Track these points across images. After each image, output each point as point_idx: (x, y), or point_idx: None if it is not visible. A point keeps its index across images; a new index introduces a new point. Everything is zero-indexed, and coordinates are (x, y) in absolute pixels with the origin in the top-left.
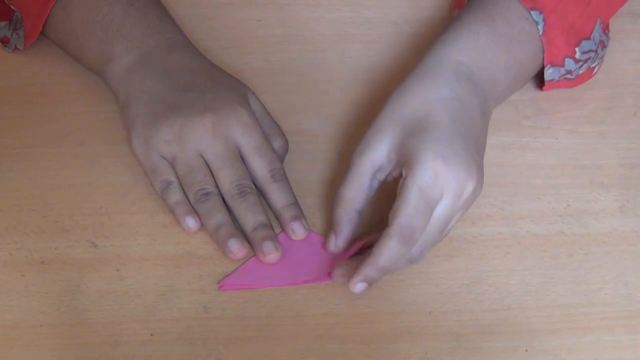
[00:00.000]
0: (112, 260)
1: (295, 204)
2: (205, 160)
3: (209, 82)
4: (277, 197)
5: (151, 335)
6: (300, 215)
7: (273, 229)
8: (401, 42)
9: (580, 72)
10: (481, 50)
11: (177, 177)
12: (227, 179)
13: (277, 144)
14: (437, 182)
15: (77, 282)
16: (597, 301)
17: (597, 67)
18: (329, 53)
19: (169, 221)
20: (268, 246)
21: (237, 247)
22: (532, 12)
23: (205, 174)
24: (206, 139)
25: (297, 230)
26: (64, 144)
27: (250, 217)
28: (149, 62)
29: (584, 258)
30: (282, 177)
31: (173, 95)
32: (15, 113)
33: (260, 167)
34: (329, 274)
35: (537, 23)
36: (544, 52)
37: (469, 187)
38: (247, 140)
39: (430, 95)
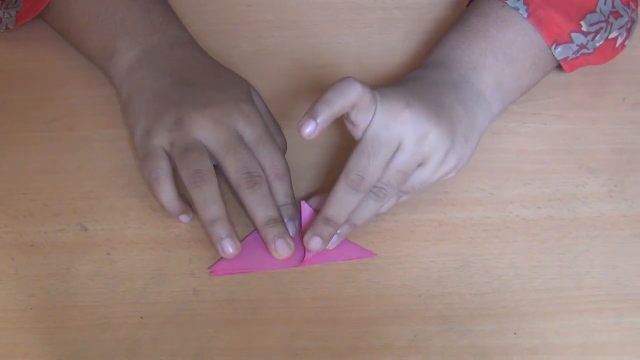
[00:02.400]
0: (102, 244)
1: (293, 203)
2: (207, 149)
3: (211, 78)
4: (277, 194)
5: (141, 318)
6: (295, 216)
7: (284, 222)
8: (390, 27)
9: (598, 44)
10: (450, 45)
11: (169, 167)
12: (233, 166)
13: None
14: (390, 128)
15: (67, 265)
16: (585, 285)
17: (621, 39)
18: (319, 38)
19: (159, 205)
20: (281, 245)
21: (230, 247)
22: (508, 2)
23: (202, 153)
24: (207, 128)
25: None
26: (53, 128)
27: (261, 212)
28: (151, 59)
29: (573, 242)
30: (284, 173)
31: (175, 90)
32: (4, 97)
33: (263, 158)
34: (319, 258)
35: (517, 9)
36: (539, 33)
37: (432, 134)
38: (250, 131)
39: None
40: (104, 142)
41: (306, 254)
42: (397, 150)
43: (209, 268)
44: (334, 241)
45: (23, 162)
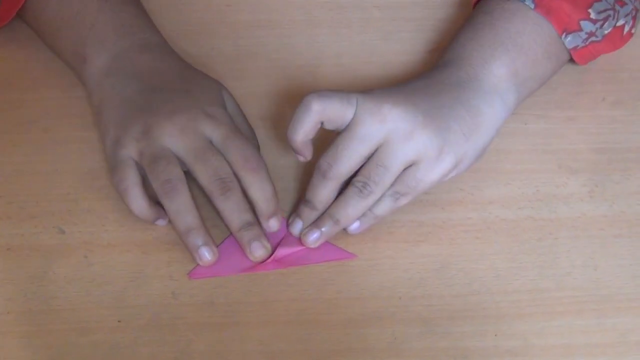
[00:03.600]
0: (80, 247)
1: (271, 197)
2: (176, 156)
3: (180, 83)
4: (252, 188)
5: (119, 322)
6: (277, 210)
7: (259, 225)
8: (370, 27)
9: (606, 31)
10: (458, 44)
11: (137, 176)
12: (204, 173)
13: None
14: (367, 125)
15: (44, 268)
16: (566, 286)
17: (629, 27)
18: (298, 38)
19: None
20: (256, 247)
21: (208, 255)
22: None
23: (170, 162)
24: (175, 135)
25: (272, 225)
26: (29, 130)
27: (236, 217)
28: (120, 65)
29: (553, 243)
30: (258, 166)
31: (143, 96)
32: None
33: (233, 155)
34: (298, 260)
35: (523, 1)
36: (549, 22)
37: (418, 133)
38: (218, 132)
39: None
40: (80, 143)
41: (278, 252)
42: (379, 147)
43: (188, 274)
44: (316, 238)
45: None
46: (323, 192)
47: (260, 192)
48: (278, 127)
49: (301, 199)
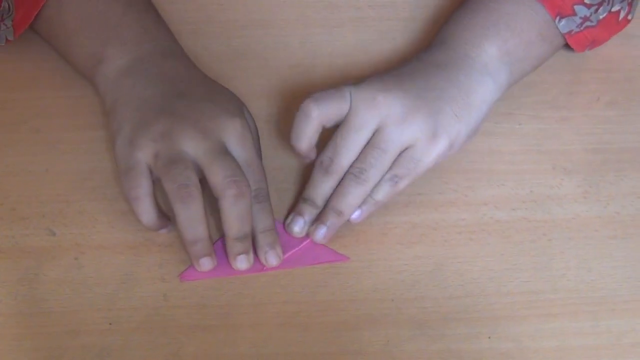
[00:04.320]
0: (71, 249)
1: (273, 230)
2: (193, 163)
3: (204, 92)
4: (258, 219)
5: (110, 324)
6: (275, 242)
7: (251, 239)
8: (363, 26)
9: (601, 16)
10: (452, 23)
11: (150, 186)
12: (220, 172)
13: None
14: (361, 114)
15: (35, 270)
16: (560, 287)
17: (624, 13)
18: (291, 38)
19: (128, 208)
20: (242, 261)
21: (207, 265)
22: None
23: (188, 167)
24: (197, 139)
25: (271, 261)
26: (20, 131)
27: (237, 226)
28: (143, 67)
29: (547, 244)
30: (265, 199)
31: (166, 101)
32: None
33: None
34: (291, 262)
35: None
36: (542, 6)
37: (411, 116)
38: (240, 151)
39: None
40: (72, 144)
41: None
42: (375, 133)
43: (179, 275)
44: (324, 233)
45: None
46: (325, 187)
47: (261, 223)
48: (272, 127)
49: (299, 198)
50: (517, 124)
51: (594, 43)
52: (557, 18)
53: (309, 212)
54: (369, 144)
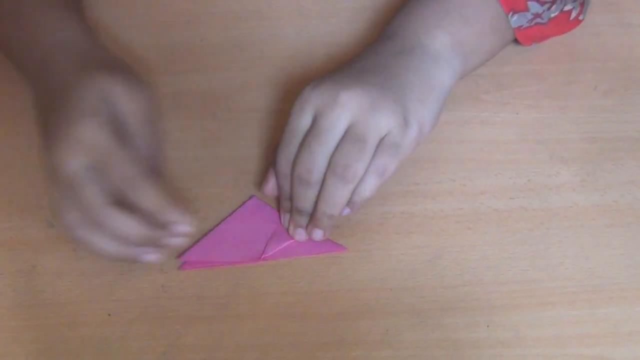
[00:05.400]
0: (69, 240)
1: (165, 207)
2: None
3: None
4: (144, 205)
5: (109, 315)
6: (176, 216)
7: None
8: (360, 17)
9: (553, 15)
10: (403, 13)
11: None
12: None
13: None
14: (327, 114)
15: (33, 262)
16: (557, 276)
17: (576, 13)
18: (287, 29)
19: None
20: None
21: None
22: None
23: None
24: (56, 177)
25: (185, 230)
26: (18, 123)
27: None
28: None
29: (545, 233)
30: (138, 185)
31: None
32: None
33: (114, 180)
34: (288, 252)
35: None
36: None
37: (378, 106)
38: (90, 159)
39: None
40: None
41: (268, 248)
42: (345, 130)
43: (178, 257)
44: (322, 235)
45: None
46: (312, 195)
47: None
48: (268, 119)
49: (292, 208)
50: (514, 114)
51: (542, 38)
52: (511, 13)
53: (304, 221)
54: (346, 139)
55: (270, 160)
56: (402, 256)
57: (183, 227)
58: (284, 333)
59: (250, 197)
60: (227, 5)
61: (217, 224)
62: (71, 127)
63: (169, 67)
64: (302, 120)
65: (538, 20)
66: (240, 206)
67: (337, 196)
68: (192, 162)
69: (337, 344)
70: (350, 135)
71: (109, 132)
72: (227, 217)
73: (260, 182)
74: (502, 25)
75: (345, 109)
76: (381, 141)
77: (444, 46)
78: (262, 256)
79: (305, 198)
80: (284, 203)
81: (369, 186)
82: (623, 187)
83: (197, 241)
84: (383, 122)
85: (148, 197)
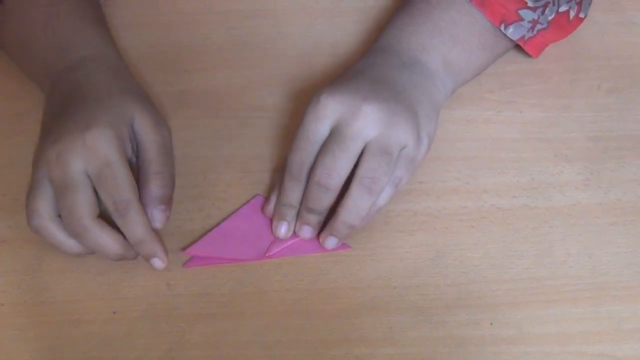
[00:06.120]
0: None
1: (145, 240)
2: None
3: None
4: (127, 232)
5: (113, 313)
6: (154, 251)
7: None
8: (365, 16)
9: (550, 17)
10: (397, 28)
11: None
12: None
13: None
14: (351, 124)
15: (38, 260)
16: (561, 274)
17: (574, 12)
18: (293, 28)
19: None
20: (154, 262)
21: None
22: None
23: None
24: (50, 168)
25: (155, 265)
26: (22, 121)
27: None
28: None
29: (549, 231)
30: (127, 210)
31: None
32: None
33: (105, 197)
34: (293, 250)
35: None
36: (482, 14)
37: (395, 120)
38: (90, 166)
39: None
40: None
41: (272, 248)
42: (367, 142)
43: (183, 250)
44: (335, 243)
45: None
46: (326, 201)
47: (132, 235)
48: (272, 118)
49: (302, 206)
50: (518, 112)
51: (547, 45)
52: (502, 25)
53: (317, 222)
54: (373, 152)
55: (275, 178)
56: (406, 254)
57: (158, 263)
58: (288, 330)
59: (255, 196)
60: (232, 4)
61: (222, 220)
62: (85, 131)
63: (173, 66)
64: (320, 128)
65: (538, 26)
66: (244, 204)
67: (361, 207)
68: (196, 160)
69: (341, 341)
70: (376, 148)
71: (117, 148)
72: (231, 214)
73: (265, 181)
74: (492, 40)
75: (368, 121)
76: (398, 154)
77: (438, 66)
78: (267, 254)
79: (321, 202)
80: (282, 202)
81: (385, 197)
82: (626, 185)
83: (202, 236)
84: (402, 136)
85: (134, 226)
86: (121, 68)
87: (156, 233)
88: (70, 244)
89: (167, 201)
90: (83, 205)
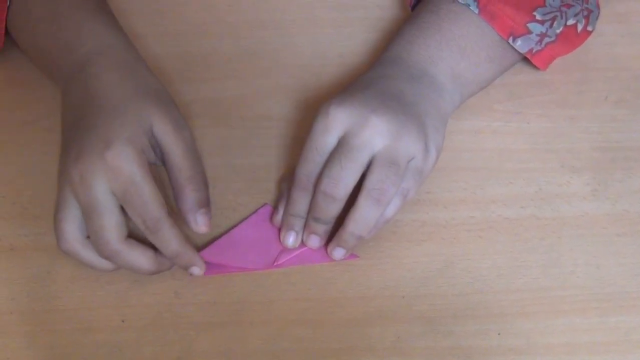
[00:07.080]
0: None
1: (181, 252)
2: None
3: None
4: (162, 248)
5: (122, 321)
6: (192, 261)
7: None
8: (372, 27)
9: (558, 30)
10: (405, 40)
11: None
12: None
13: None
14: (359, 134)
15: (48, 268)
16: (569, 284)
17: (581, 25)
18: (301, 38)
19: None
20: (192, 271)
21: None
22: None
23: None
24: (75, 190)
25: (195, 273)
26: (33, 130)
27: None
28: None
29: (556, 242)
30: (157, 228)
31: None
32: None
33: (133, 216)
34: (301, 259)
35: (467, 5)
36: (491, 27)
37: (404, 132)
38: (114, 186)
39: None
40: None
41: (280, 258)
42: (375, 153)
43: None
44: (343, 254)
45: (2, 165)
46: (333, 211)
47: (167, 250)
48: (281, 127)
49: (309, 216)
50: (525, 123)
51: (555, 58)
52: (511, 38)
53: (323, 231)
54: (381, 163)
55: (281, 187)
56: (413, 264)
57: (196, 270)
58: (296, 339)
59: (263, 205)
60: (241, 14)
61: (230, 228)
62: (104, 151)
63: (182, 75)
64: (328, 138)
65: (547, 39)
66: (253, 213)
67: (369, 218)
68: (205, 169)
69: (349, 350)
70: (384, 159)
71: (140, 164)
72: (239, 222)
73: (273, 190)
74: (500, 52)
75: (376, 132)
76: (406, 166)
77: (446, 79)
78: (275, 263)
79: (327, 211)
80: (290, 212)
81: (393, 208)
82: (634, 196)
83: (210, 243)
84: (410, 148)
85: (168, 242)
86: (131, 60)
87: (188, 241)
88: (102, 264)
89: (206, 203)
90: (111, 230)
